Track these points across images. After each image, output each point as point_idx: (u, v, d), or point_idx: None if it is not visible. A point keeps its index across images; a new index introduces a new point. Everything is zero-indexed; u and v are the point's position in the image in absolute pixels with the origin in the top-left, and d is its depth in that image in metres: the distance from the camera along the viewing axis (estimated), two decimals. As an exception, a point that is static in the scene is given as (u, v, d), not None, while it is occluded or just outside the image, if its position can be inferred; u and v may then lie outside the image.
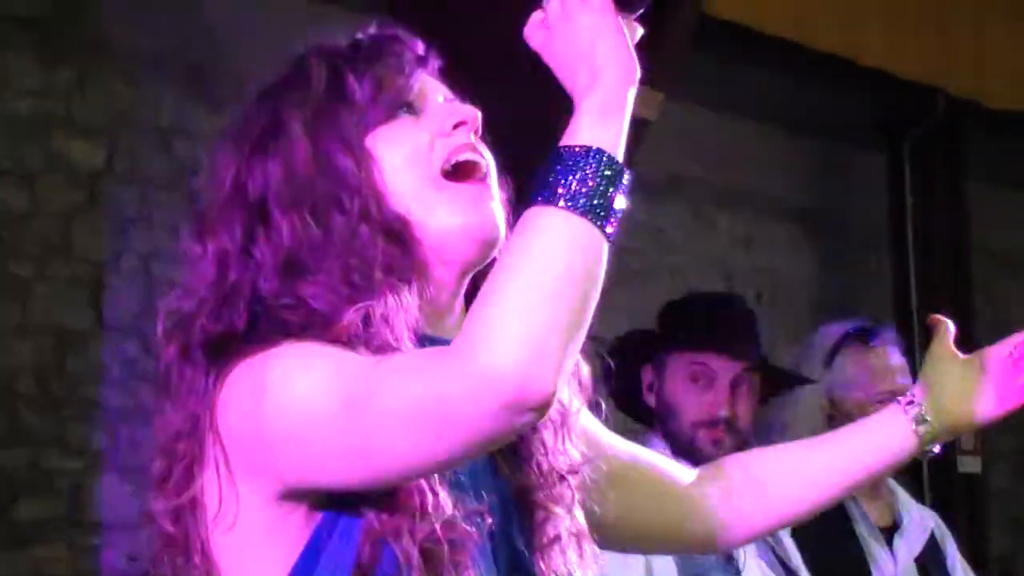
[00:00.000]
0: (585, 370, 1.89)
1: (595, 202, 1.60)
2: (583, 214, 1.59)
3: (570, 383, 1.86)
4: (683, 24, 5.12)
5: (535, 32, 1.72)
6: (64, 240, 5.12)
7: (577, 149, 1.62)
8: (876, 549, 3.69)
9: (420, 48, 1.87)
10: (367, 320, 1.70)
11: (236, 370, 1.68)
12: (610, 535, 1.97)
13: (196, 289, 1.77)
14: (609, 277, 1.65)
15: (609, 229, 1.61)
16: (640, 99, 1.77)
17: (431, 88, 1.86)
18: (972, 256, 7.45)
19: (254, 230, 1.77)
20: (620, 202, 1.62)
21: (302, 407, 1.63)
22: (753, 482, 2.11)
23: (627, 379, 3.39)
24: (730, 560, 3.15)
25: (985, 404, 2.09)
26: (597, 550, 1.87)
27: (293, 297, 1.72)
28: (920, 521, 3.80)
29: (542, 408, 1.55)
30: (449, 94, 1.87)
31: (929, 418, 2.07)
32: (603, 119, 1.65)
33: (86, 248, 5.16)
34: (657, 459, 2.14)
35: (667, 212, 6.92)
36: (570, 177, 1.61)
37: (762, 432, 3.56)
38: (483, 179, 1.81)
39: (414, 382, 1.58)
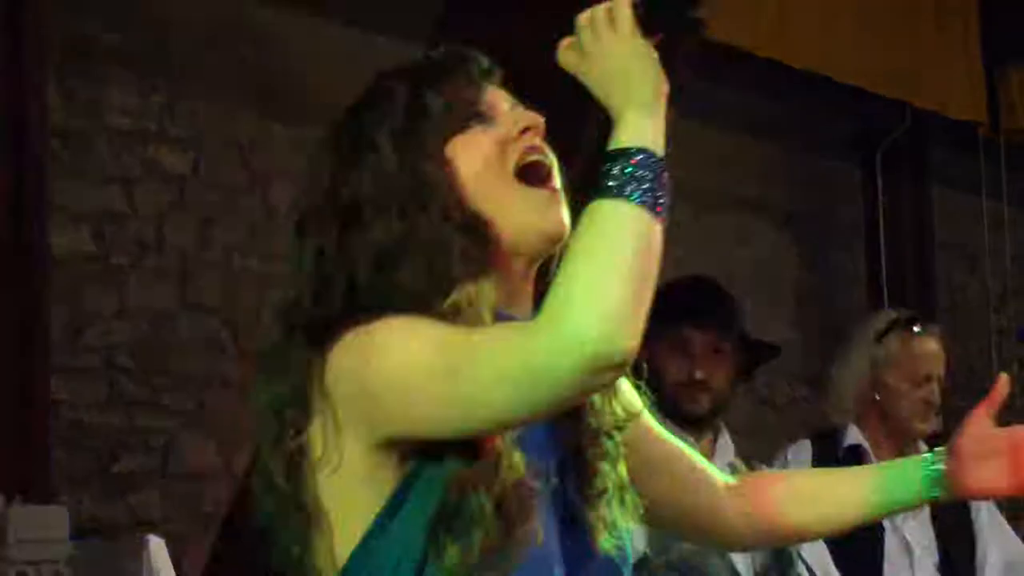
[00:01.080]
0: None
1: (647, 193, 1.73)
2: (639, 203, 1.72)
3: None
4: (690, 49, 5.10)
5: (567, 55, 1.82)
6: (157, 235, 5.36)
7: (630, 150, 1.74)
8: None
9: (485, 62, 1.95)
10: (454, 305, 1.79)
11: (344, 339, 1.78)
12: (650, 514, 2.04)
13: (299, 280, 1.86)
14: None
15: (661, 213, 1.74)
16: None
17: (498, 98, 1.93)
18: (935, 252, 7.62)
19: (348, 229, 1.84)
20: (665, 190, 1.75)
21: (409, 368, 1.73)
22: (776, 503, 2.15)
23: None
24: None
25: (996, 481, 2.09)
26: (638, 500, 1.94)
27: (387, 285, 1.81)
28: None
29: (623, 365, 1.68)
30: (515, 101, 1.94)
31: (940, 485, 2.10)
32: (646, 125, 1.76)
33: (175, 242, 5.38)
34: (701, 459, 2.19)
35: (672, 213, 7.11)
36: (626, 174, 1.72)
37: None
38: (550, 178, 1.90)
39: (508, 350, 1.70)
